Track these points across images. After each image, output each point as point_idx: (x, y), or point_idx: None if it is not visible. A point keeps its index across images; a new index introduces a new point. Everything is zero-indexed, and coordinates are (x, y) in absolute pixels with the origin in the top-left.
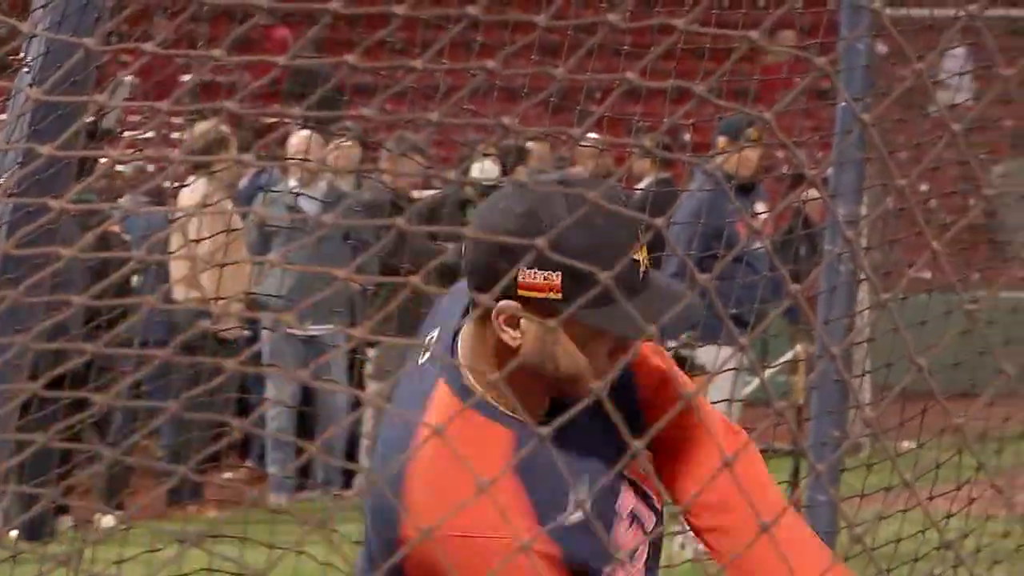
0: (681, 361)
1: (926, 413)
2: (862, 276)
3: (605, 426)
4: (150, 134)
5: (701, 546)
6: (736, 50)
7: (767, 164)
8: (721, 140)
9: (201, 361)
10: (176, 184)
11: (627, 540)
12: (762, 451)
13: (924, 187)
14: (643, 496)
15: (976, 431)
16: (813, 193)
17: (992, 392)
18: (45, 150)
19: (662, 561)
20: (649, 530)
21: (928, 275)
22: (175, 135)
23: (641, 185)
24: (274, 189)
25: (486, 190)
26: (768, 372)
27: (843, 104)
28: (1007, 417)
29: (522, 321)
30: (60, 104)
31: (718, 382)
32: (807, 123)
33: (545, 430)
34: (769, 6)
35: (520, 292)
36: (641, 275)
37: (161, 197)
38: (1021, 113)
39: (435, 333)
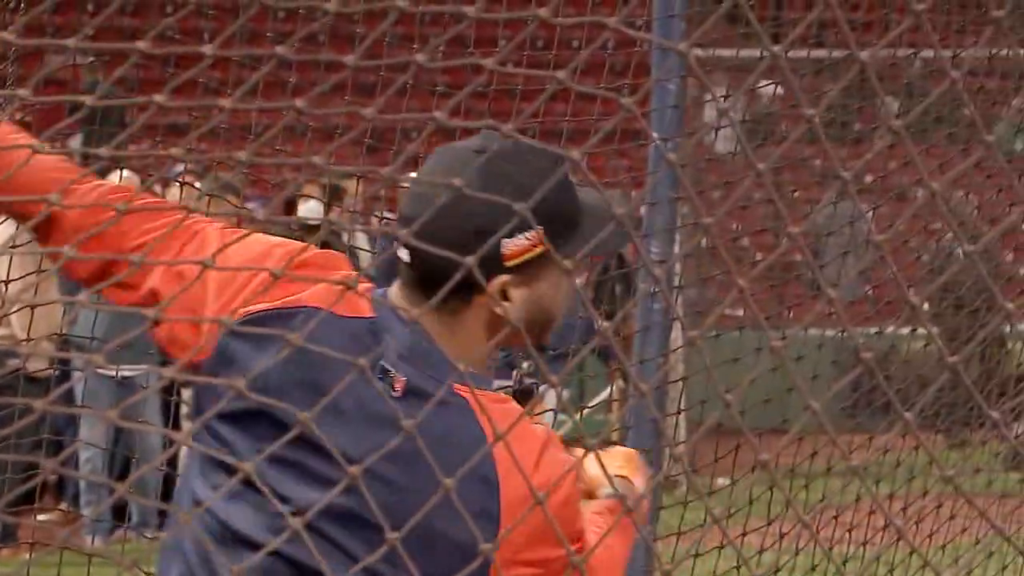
0: (526, 393)
1: (740, 449)
2: (675, 314)
3: None
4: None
5: None
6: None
7: None
8: None
9: (10, 401)
10: None
11: None
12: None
13: (735, 226)
14: None
15: (785, 467)
16: None
17: (799, 428)
18: None
19: None
20: None
21: (741, 312)
22: None
23: None
24: None
25: (311, 229)
26: (584, 411)
27: (654, 144)
28: (814, 452)
29: (511, 290)
30: None
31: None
32: (623, 163)
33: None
34: (582, 47)
35: (507, 263)
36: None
37: None
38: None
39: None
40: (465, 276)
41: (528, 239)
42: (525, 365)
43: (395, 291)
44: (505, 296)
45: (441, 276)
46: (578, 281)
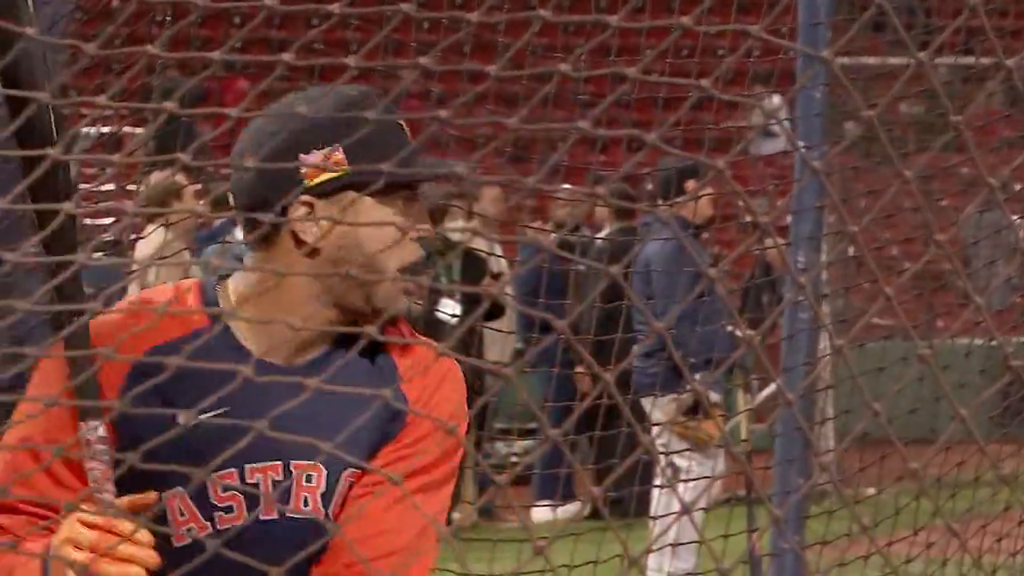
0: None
1: (886, 459)
2: (821, 324)
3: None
4: (108, 186)
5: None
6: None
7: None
8: (690, 184)
9: None
10: (133, 236)
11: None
12: (726, 499)
13: (886, 235)
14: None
15: (933, 477)
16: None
17: (947, 437)
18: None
19: None
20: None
21: (888, 321)
22: (131, 187)
23: (602, 234)
24: (227, 240)
25: (455, 243)
26: (732, 421)
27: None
28: (962, 461)
29: (319, 212)
30: (12, 158)
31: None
32: (769, 171)
33: None
34: (726, 55)
35: (308, 183)
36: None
37: (118, 248)
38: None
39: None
40: (269, 199)
41: (327, 157)
42: (697, 378)
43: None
44: (314, 223)
45: (248, 202)
46: (722, 288)
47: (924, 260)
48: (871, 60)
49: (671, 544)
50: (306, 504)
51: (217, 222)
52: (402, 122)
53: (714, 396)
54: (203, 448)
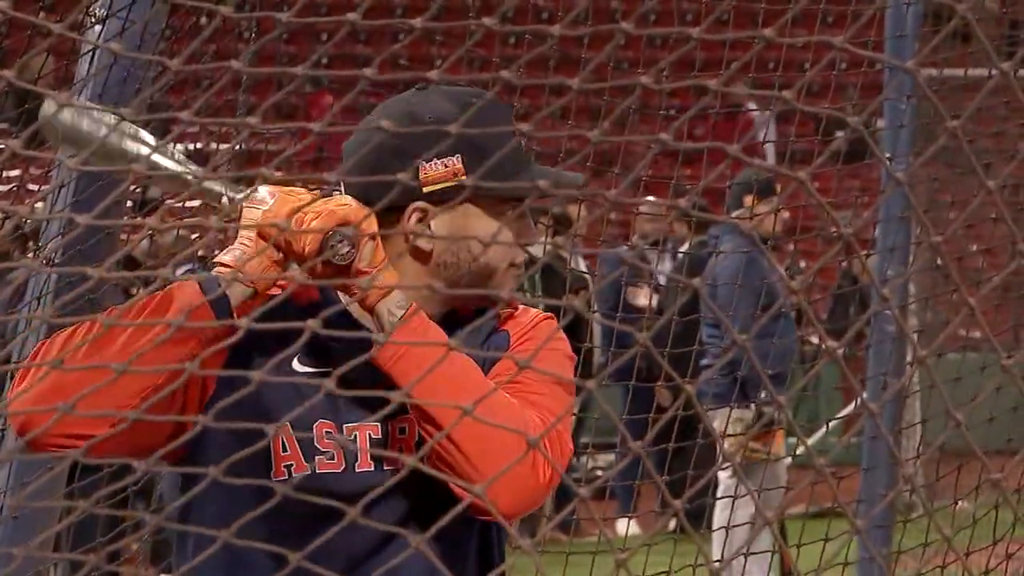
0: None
1: (962, 470)
2: (905, 334)
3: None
4: (194, 202)
5: None
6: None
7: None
8: (748, 198)
9: None
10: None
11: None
12: (816, 512)
13: (973, 247)
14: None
15: (1012, 487)
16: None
17: None
18: (83, 219)
19: None
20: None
21: (976, 334)
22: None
23: (682, 249)
24: None
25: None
26: (817, 434)
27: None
28: None
29: (433, 222)
30: (101, 175)
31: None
32: (855, 183)
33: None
34: (812, 67)
35: (425, 189)
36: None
37: (204, 263)
38: None
39: None
40: (380, 202)
41: (446, 166)
42: (762, 395)
43: None
44: (427, 226)
45: (366, 203)
46: (802, 299)
47: (1008, 271)
48: (957, 71)
49: (744, 554)
50: (401, 451)
51: None
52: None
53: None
54: (306, 395)
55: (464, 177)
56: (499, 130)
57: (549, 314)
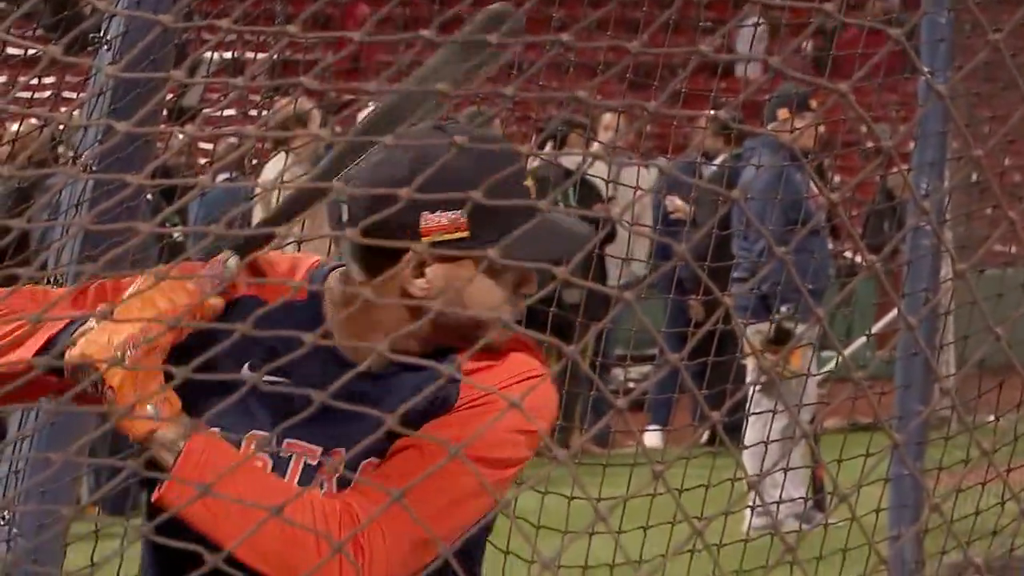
0: (784, 335)
1: (1003, 386)
2: (944, 249)
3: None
4: (230, 111)
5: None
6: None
7: (836, 138)
8: (782, 112)
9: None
10: (256, 160)
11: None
12: (852, 426)
13: (1008, 161)
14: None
15: None
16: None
17: None
18: (122, 127)
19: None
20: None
21: (1014, 249)
22: (253, 112)
23: (716, 162)
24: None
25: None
26: (851, 347)
27: (924, 78)
28: None
29: (428, 269)
30: (139, 82)
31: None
32: (892, 97)
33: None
34: None
35: (424, 239)
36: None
37: (240, 173)
38: None
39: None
40: (383, 236)
41: (449, 219)
42: (783, 309)
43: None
44: (421, 273)
45: (364, 233)
46: (842, 212)
47: None
48: None
49: (783, 469)
50: (321, 488)
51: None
52: (529, 184)
53: (799, 328)
54: (255, 401)
55: (466, 233)
56: (512, 195)
57: (532, 371)
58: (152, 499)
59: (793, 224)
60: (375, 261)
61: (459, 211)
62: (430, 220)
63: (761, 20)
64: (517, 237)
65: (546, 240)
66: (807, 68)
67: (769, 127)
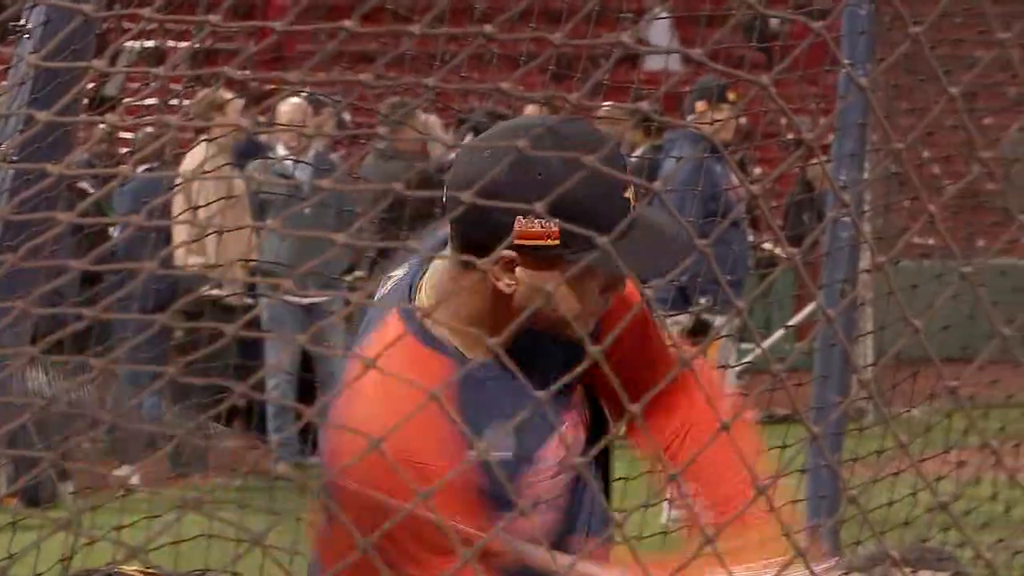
0: (703, 326)
1: (918, 377)
2: (863, 241)
3: (559, 369)
4: (151, 100)
5: (676, 513)
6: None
7: (755, 130)
8: (700, 104)
9: (203, 326)
10: (176, 150)
11: (542, 487)
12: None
13: (927, 153)
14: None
15: (966, 395)
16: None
17: (986, 356)
18: (43, 116)
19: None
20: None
21: (931, 241)
22: (175, 101)
23: (636, 154)
24: (269, 156)
25: None
26: (771, 339)
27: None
28: (995, 380)
29: (518, 269)
30: (60, 71)
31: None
32: (812, 89)
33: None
34: None
35: (517, 241)
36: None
37: (161, 162)
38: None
39: (399, 272)
40: (470, 234)
41: (542, 227)
42: (702, 301)
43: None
44: (511, 271)
45: (461, 230)
46: (762, 204)
47: (969, 179)
48: None
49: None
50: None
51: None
52: (629, 195)
53: (718, 320)
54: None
55: (557, 242)
56: (611, 210)
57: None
58: None
59: (713, 216)
60: (469, 253)
61: (554, 221)
62: (524, 224)
63: (670, 11)
64: (607, 251)
65: (635, 255)
66: (730, 61)
67: (688, 119)
